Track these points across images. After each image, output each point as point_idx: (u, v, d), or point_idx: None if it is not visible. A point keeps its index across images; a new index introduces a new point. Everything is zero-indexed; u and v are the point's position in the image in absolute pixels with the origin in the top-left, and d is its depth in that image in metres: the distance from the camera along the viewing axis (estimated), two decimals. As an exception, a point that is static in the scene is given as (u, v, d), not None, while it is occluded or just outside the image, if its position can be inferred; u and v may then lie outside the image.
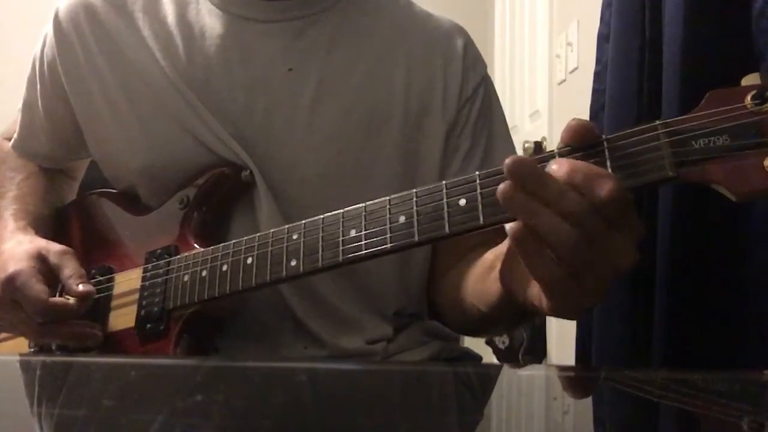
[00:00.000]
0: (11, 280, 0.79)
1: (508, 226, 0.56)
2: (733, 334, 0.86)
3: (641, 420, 0.51)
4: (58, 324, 0.80)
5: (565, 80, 2.07)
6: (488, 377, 0.69)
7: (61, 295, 0.81)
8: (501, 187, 0.54)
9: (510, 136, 0.94)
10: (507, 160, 0.54)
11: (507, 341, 1.97)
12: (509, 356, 1.97)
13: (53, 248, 0.83)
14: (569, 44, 2.01)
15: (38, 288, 0.79)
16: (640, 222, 0.55)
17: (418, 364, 0.82)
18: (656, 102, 0.97)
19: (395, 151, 0.85)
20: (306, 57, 0.85)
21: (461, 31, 0.94)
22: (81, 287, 0.80)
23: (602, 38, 1.17)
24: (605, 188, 0.52)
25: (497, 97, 0.95)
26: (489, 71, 0.95)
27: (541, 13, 2.32)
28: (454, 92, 0.88)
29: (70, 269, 0.82)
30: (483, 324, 0.80)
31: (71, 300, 0.79)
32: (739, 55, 0.84)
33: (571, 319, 0.64)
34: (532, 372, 0.79)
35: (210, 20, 0.87)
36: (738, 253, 0.86)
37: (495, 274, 0.67)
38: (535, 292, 0.59)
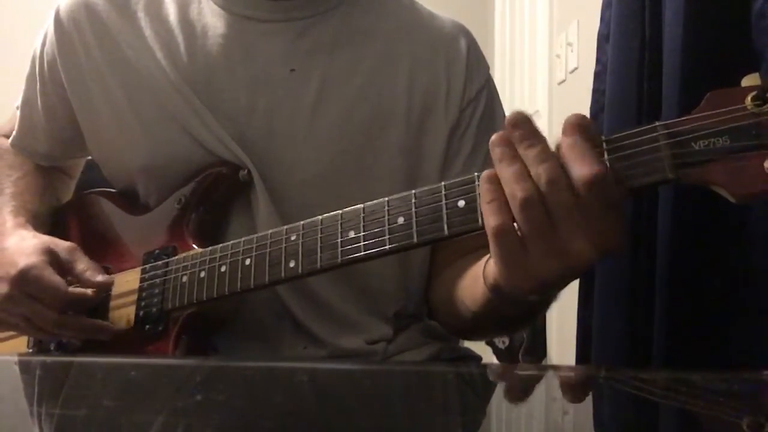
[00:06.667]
0: (24, 273, 0.79)
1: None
2: (733, 334, 0.86)
3: (641, 420, 0.51)
4: (75, 316, 0.80)
5: (565, 80, 2.07)
6: (488, 377, 0.69)
7: None
8: (495, 135, 0.57)
9: None
10: (509, 114, 0.56)
11: (507, 341, 1.96)
12: (509, 356, 1.96)
13: (61, 244, 0.83)
14: (569, 44, 2.01)
15: (56, 279, 0.79)
16: (616, 233, 0.54)
17: (418, 364, 0.82)
18: (656, 102, 0.97)
19: (397, 152, 0.85)
20: (308, 57, 0.85)
21: (465, 32, 0.93)
22: (100, 278, 0.81)
23: (602, 38, 1.17)
24: (585, 170, 0.53)
25: (499, 99, 0.94)
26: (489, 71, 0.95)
27: (541, 13, 2.32)
28: (457, 93, 0.88)
29: (83, 263, 0.82)
30: (471, 324, 0.79)
31: (89, 291, 0.80)
32: (739, 56, 0.84)
33: (519, 292, 0.60)
34: (532, 372, 0.79)
35: (212, 20, 0.87)
36: (738, 254, 0.85)
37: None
38: (492, 264, 0.60)
